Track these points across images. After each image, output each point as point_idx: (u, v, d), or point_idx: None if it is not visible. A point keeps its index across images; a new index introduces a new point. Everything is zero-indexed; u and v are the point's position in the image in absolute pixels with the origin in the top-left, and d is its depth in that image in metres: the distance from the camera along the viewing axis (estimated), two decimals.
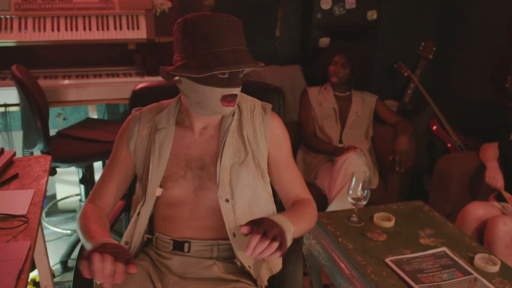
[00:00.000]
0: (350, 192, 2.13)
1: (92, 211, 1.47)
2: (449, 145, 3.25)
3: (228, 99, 1.36)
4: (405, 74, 3.59)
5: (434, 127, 3.29)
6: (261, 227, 1.22)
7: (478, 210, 2.28)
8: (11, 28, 2.78)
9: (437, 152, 3.26)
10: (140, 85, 1.83)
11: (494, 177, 2.41)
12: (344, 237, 2.08)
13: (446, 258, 1.93)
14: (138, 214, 1.50)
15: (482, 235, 2.27)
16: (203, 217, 1.48)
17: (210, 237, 1.49)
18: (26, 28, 2.80)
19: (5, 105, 2.78)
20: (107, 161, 1.56)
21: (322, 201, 2.87)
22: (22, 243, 1.47)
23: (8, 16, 2.78)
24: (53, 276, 2.58)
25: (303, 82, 3.39)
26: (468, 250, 1.99)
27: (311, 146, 3.12)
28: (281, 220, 1.29)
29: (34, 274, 2.35)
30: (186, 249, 1.49)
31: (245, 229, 1.23)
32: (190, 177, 1.46)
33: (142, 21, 2.96)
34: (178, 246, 1.50)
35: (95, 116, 3.15)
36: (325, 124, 3.15)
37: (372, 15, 3.42)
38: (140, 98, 1.77)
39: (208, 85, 1.33)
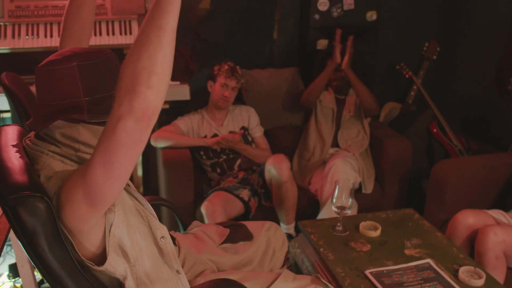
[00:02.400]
0: (334, 200, 2.08)
1: None
2: (449, 149, 3.15)
3: None
4: (407, 75, 3.51)
5: (434, 130, 3.20)
6: None
7: (468, 219, 2.20)
8: (5, 35, 2.79)
9: (436, 156, 3.17)
10: None
11: None
12: (326, 246, 2.03)
13: (429, 270, 1.87)
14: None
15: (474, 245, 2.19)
16: None
17: None
18: (19, 34, 2.82)
19: None
20: None
21: (315, 207, 2.81)
22: None
23: (1, 23, 2.80)
24: (42, 282, 2.59)
25: (301, 85, 3.33)
26: (454, 262, 1.93)
27: (309, 91, 3.07)
28: None
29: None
30: None
31: None
32: None
33: (135, 26, 2.94)
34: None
35: None
36: (323, 122, 3.10)
37: (371, 15, 3.34)
38: None
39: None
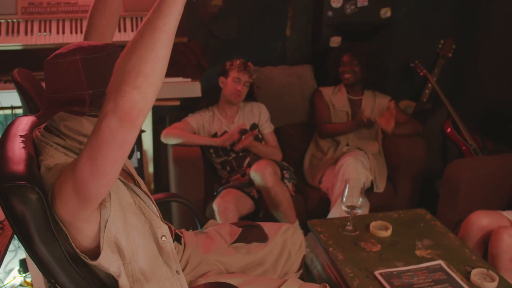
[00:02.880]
0: (344, 200, 2.05)
1: None
2: (463, 148, 3.10)
3: None
4: (421, 73, 3.45)
5: (448, 130, 3.14)
6: None
7: (481, 220, 2.15)
8: (18, 32, 2.81)
9: (450, 156, 3.12)
10: None
11: None
12: (335, 246, 2.01)
13: (440, 272, 1.83)
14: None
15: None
16: None
17: None
18: (32, 31, 2.83)
19: (12, 108, 2.82)
20: None
21: (327, 205, 2.78)
22: None
23: (15, 20, 2.81)
24: None
25: (314, 83, 3.30)
26: (467, 264, 1.89)
27: (327, 133, 3.02)
28: None
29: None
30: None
31: None
32: None
33: None
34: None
35: None
36: None
37: (385, 12, 3.29)
38: None
39: None
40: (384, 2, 3.27)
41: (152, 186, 3.43)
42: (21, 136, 1.32)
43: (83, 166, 1.01)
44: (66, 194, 1.08)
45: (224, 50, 3.36)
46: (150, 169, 3.37)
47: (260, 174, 2.57)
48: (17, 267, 2.51)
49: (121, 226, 1.22)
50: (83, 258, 1.19)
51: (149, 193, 1.42)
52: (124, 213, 1.24)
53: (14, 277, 2.46)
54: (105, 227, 1.18)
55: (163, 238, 1.35)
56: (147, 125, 3.24)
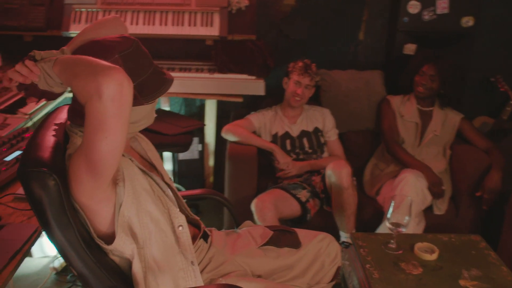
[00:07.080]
0: (389, 216, 1.96)
1: None
2: None
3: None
4: (502, 89, 3.20)
5: None
6: None
7: None
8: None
9: None
10: None
11: None
12: (373, 263, 1.92)
13: None
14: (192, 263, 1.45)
15: None
16: None
17: None
18: None
19: None
20: None
21: (381, 218, 2.67)
22: (29, 225, 1.56)
23: (94, 9, 2.97)
24: None
25: (383, 89, 3.17)
26: None
27: (396, 155, 2.86)
28: None
29: None
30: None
31: None
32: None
33: (216, 18, 2.97)
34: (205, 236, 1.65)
35: (167, 108, 3.25)
36: (405, 138, 2.93)
37: (467, 21, 3.08)
38: None
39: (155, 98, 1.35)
40: (467, 10, 3.07)
41: (212, 179, 3.49)
42: (56, 124, 1.39)
43: (93, 140, 1.08)
44: (80, 174, 1.14)
45: (293, 50, 3.33)
46: (211, 162, 3.43)
47: (338, 173, 2.51)
48: None
49: (134, 212, 1.27)
50: (99, 243, 1.24)
51: (172, 184, 1.47)
52: (139, 200, 1.29)
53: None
54: (119, 211, 1.23)
55: (180, 228, 1.39)
56: (211, 119, 3.30)
